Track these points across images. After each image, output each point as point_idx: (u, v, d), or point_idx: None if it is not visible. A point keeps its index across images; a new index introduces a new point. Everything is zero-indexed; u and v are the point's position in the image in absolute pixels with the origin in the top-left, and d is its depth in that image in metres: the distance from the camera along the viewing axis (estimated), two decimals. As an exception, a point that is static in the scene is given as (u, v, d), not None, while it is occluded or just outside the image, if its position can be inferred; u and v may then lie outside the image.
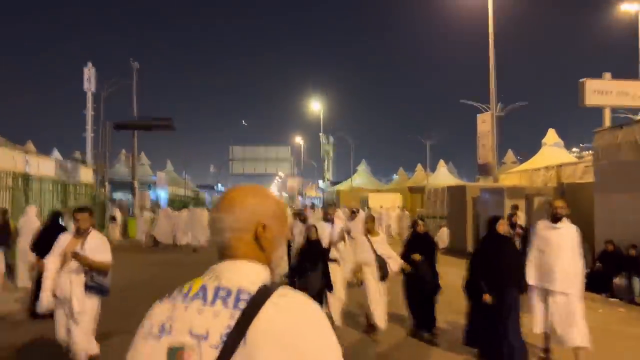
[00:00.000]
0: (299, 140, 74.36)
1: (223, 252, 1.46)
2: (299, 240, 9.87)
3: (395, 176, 66.85)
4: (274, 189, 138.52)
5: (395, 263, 7.16)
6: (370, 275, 7.11)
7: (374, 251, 7.09)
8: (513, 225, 9.48)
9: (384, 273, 7.06)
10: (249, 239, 1.45)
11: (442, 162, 42.67)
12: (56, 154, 35.63)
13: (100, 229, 22.78)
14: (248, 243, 1.45)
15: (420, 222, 7.72)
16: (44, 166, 18.32)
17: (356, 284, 7.80)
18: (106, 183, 26.26)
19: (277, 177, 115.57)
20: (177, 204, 38.10)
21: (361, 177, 53.23)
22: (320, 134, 61.95)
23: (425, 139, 36.63)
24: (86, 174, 22.62)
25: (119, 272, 13.89)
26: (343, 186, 53.45)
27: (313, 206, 19.87)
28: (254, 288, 1.33)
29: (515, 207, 12.49)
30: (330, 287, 7.10)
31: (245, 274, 1.38)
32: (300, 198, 75.54)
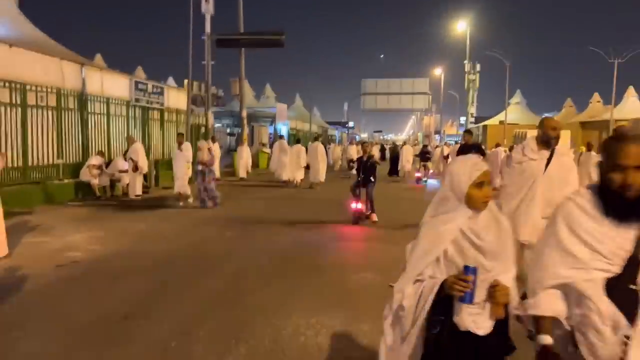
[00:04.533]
0: (438, 72, 65.89)
1: None
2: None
3: (552, 113, 55.96)
4: (409, 125, 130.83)
5: None
6: None
7: None
8: None
9: None
10: None
11: (631, 89, 32.51)
12: (171, 81, 33.48)
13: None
14: None
15: None
16: (113, 84, 14.66)
17: None
18: (208, 111, 22.57)
19: (412, 115, 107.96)
20: (292, 138, 34.19)
21: (514, 112, 44.41)
22: (465, 62, 53.11)
23: (614, 57, 27.25)
24: (177, 99, 18.90)
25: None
26: (492, 122, 45.20)
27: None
28: None
29: None
30: None
31: None
32: (437, 137, 68.03)
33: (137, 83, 15.76)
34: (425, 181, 19.93)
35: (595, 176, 1.91)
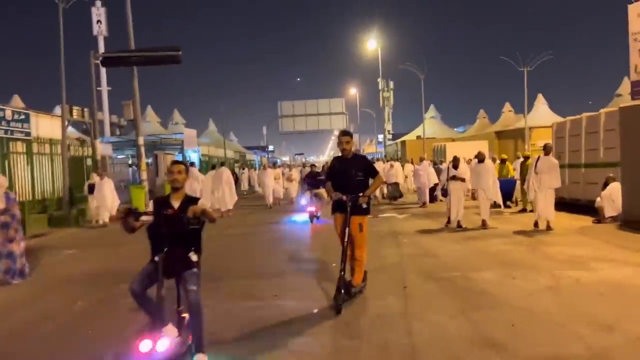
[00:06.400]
0: (353, 91, 65.80)
1: None
2: None
3: (463, 128, 57.29)
4: (329, 147, 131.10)
5: None
6: None
7: None
8: None
9: None
10: None
11: (540, 97, 33.17)
12: (57, 111, 29.69)
13: (78, 201, 16.03)
14: None
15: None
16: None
17: None
18: (97, 140, 19.49)
19: (332, 135, 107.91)
20: (204, 165, 31.70)
21: (430, 126, 44.50)
22: (379, 79, 53.12)
23: (523, 65, 27.36)
24: (52, 128, 15.78)
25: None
26: (409, 137, 44.98)
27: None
28: None
29: None
30: None
31: None
32: (358, 156, 67.44)
33: (-13, 109, 12.61)
34: (318, 217, 13.08)
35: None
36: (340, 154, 5.98)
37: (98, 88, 38.02)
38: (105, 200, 13.70)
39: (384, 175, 18.22)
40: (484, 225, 11.08)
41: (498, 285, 6.22)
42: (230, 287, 6.58)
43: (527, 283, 6.23)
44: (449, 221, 11.38)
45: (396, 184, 18.21)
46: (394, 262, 7.91)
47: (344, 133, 5.89)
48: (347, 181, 5.69)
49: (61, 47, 14.76)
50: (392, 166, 18.43)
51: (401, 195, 18.76)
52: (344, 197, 5.46)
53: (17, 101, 25.78)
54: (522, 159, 15.19)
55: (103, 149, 27.56)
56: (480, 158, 11.54)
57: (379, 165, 19.76)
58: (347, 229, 5.40)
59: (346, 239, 5.38)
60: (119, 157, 33.09)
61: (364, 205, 5.62)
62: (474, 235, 10.22)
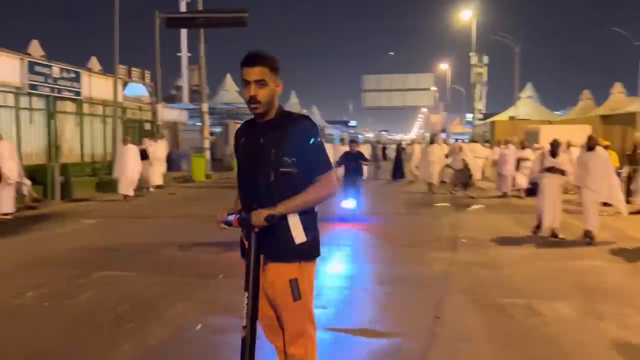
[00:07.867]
0: (444, 66, 61.94)
1: None
2: None
3: (563, 112, 51.64)
4: (416, 127, 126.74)
5: None
6: None
7: None
8: None
9: None
10: None
11: (661, 77, 28.38)
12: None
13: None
14: None
15: None
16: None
17: None
18: (159, 104, 18.96)
19: (419, 115, 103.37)
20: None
21: (525, 107, 40.41)
22: (471, 54, 49.11)
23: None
24: (106, 88, 15.27)
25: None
26: (500, 117, 41.22)
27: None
28: None
29: None
30: None
31: None
32: (443, 135, 63.88)
33: (32, 65, 12.13)
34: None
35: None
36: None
37: (178, 54, 38.54)
38: (125, 170, 12.08)
39: (453, 160, 15.24)
40: (587, 236, 7.84)
41: (576, 326, 4.28)
42: (203, 291, 5.23)
43: (622, 328, 4.24)
44: (538, 227, 8.33)
45: (464, 169, 15.21)
46: (440, 272, 6.11)
47: (249, 60, 2.35)
48: (257, 178, 2.38)
49: (116, 11, 14.03)
50: (461, 149, 15.61)
51: (469, 180, 15.79)
52: (233, 218, 2.37)
53: (94, 63, 26.18)
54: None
55: (177, 115, 27.49)
56: (590, 144, 8.08)
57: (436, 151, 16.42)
58: (254, 299, 2.30)
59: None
60: (197, 124, 33.23)
61: (301, 238, 2.34)
62: (562, 247, 7.70)
